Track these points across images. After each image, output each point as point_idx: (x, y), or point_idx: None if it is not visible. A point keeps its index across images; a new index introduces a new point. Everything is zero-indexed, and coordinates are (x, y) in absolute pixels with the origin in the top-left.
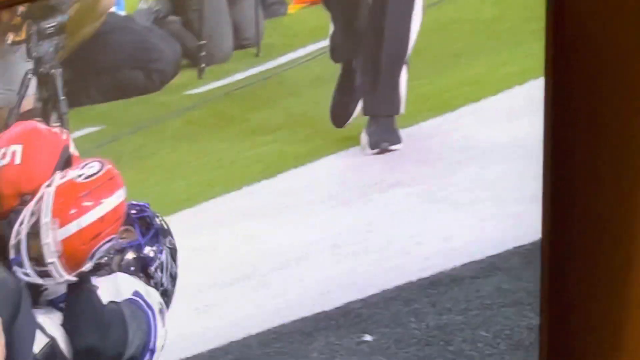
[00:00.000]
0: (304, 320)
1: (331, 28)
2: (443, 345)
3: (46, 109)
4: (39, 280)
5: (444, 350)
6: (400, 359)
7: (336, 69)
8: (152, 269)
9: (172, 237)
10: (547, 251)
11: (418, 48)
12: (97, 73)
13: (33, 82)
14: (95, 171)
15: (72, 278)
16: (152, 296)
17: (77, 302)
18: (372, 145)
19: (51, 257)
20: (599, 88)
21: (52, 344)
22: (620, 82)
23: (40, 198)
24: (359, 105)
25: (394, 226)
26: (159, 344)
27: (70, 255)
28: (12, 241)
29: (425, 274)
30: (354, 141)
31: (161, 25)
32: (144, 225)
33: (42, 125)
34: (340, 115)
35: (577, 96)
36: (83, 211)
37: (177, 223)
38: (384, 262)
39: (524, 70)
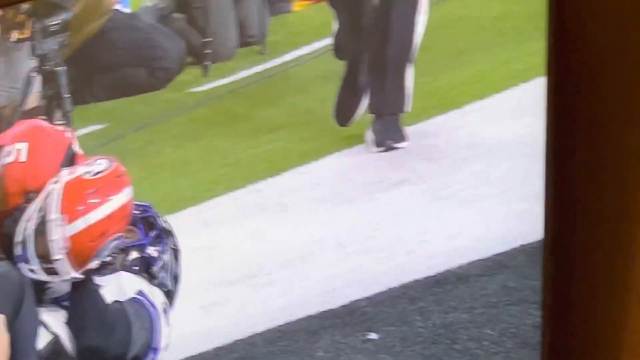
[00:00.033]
0: (309, 318)
1: (335, 26)
2: (449, 343)
3: (50, 107)
4: (45, 277)
5: (449, 349)
6: (405, 357)
7: (341, 66)
8: (156, 269)
9: (175, 238)
10: (549, 250)
11: (423, 45)
12: (102, 71)
13: (37, 80)
14: (103, 168)
15: (78, 275)
16: (156, 295)
17: (81, 301)
18: (378, 143)
19: (58, 253)
20: (600, 87)
21: (56, 341)
22: (621, 80)
23: (48, 194)
24: (364, 104)
25: (400, 224)
26: (162, 343)
27: (78, 252)
28: (18, 238)
29: (431, 272)
30: (359, 139)
31: (166, 22)
32: (147, 225)
33: (46, 124)
34: (344, 113)
35: (578, 95)
36: (91, 208)
37: (182, 221)
38: (389, 260)
39: (530, 67)
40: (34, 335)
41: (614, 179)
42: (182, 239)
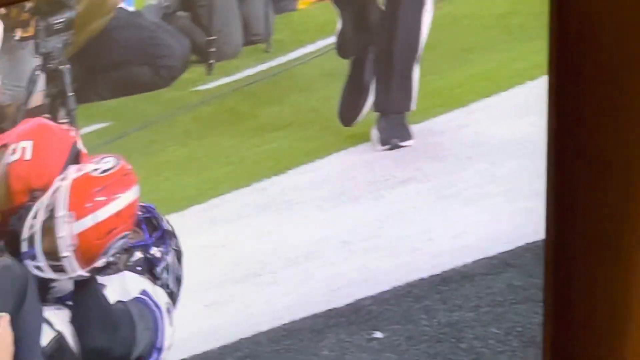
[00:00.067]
0: (314, 317)
1: (339, 24)
2: (454, 342)
3: (54, 105)
4: (51, 275)
5: (455, 347)
6: (411, 356)
7: (346, 64)
8: (159, 269)
9: (177, 239)
10: (551, 249)
11: (429, 43)
12: (106, 69)
13: (41, 79)
14: (111, 166)
15: (84, 273)
16: (160, 295)
17: (84, 301)
18: (383, 142)
19: (66, 251)
20: (602, 86)
21: (60, 338)
22: (623, 79)
23: (55, 191)
24: (368, 104)
25: (405, 223)
26: (166, 343)
27: (85, 250)
28: (25, 234)
29: (436, 270)
30: (364, 137)
31: (170, 21)
32: (151, 226)
33: (51, 122)
34: (349, 113)
35: (580, 94)
36: (99, 205)
37: (186, 220)
38: (394, 258)
39: (536, 65)
40: (37, 330)
41: (616, 178)
42: (186, 238)
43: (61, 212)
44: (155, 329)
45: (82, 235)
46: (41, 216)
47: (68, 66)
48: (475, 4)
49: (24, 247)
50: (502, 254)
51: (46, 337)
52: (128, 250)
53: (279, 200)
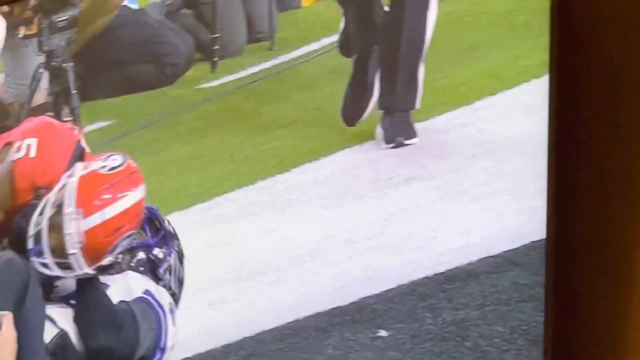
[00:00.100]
0: (318, 315)
1: (342, 23)
2: (459, 340)
3: (58, 103)
4: (57, 272)
5: (460, 346)
6: (415, 354)
7: (351, 62)
8: (161, 270)
9: (179, 241)
10: (552, 248)
11: (434, 41)
12: (109, 67)
13: (45, 77)
14: (118, 164)
15: (90, 271)
16: (163, 295)
17: (87, 300)
18: (388, 140)
19: (73, 248)
20: (604, 85)
21: (63, 335)
22: (625, 78)
23: (62, 188)
24: (372, 104)
25: (410, 221)
26: (169, 343)
27: (92, 247)
28: (31, 231)
29: (441, 268)
30: (368, 136)
31: (174, 18)
32: (153, 227)
33: (55, 120)
34: (353, 113)
35: (581, 93)
36: (107, 203)
37: (190, 218)
38: (399, 257)
39: (541, 63)
40: (40, 324)
41: (618, 176)
42: (190, 236)
43: (69, 208)
44: (158, 329)
45: (89, 232)
46: (48, 212)
47: (71, 64)
48: (480, 2)
49: (30, 243)
50: (507, 252)
51: (49, 334)
52: (131, 251)
53: (283, 198)
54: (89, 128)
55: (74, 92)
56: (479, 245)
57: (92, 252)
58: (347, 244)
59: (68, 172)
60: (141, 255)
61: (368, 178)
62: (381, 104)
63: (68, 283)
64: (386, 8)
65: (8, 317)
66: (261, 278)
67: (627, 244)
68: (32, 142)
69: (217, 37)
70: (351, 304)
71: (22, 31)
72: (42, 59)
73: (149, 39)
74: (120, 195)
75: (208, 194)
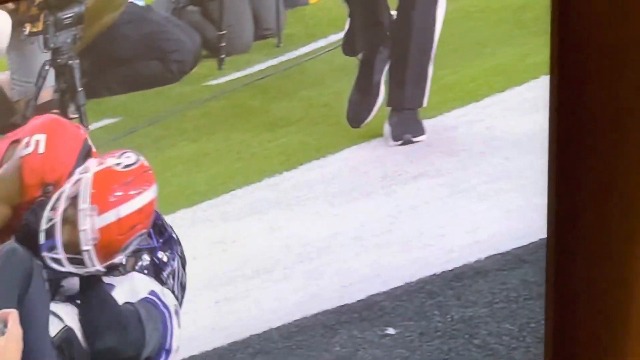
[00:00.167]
0: (325, 313)
1: (347, 23)
2: (468, 338)
3: (64, 101)
4: (68, 267)
5: (468, 344)
6: (423, 352)
7: (357, 60)
8: (165, 274)
9: (181, 246)
10: (552, 247)
11: (442, 38)
12: (115, 64)
13: (50, 74)
14: (132, 162)
15: (102, 268)
16: (168, 297)
17: (91, 301)
18: (395, 137)
19: (87, 244)
20: (605, 84)
21: (68, 329)
22: (626, 77)
23: (76, 182)
24: (377, 105)
25: (418, 218)
26: (174, 344)
27: (106, 245)
28: (43, 226)
29: (450, 266)
30: (376, 133)
31: (180, 15)
32: (157, 230)
33: (63, 118)
34: (358, 115)
35: (582, 92)
36: (122, 200)
37: (197, 215)
38: (407, 254)
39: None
40: (45, 314)
41: (619, 175)
42: (197, 234)
43: (84, 204)
44: (164, 330)
45: (104, 229)
46: (62, 206)
47: (77, 61)
48: None
49: (42, 238)
50: (516, 250)
51: (55, 329)
52: (136, 253)
53: (290, 196)
54: (95, 125)
55: (79, 89)
56: (487, 243)
57: (105, 249)
58: (354, 241)
59: (81, 167)
60: (146, 257)
61: (375, 175)
62: (390, 102)
63: (74, 283)
64: (392, 9)
65: (14, 314)
66: (268, 275)
67: (629, 243)
68: (41, 138)
69: (223, 33)
70: (359, 301)
71: (27, 28)
72: (47, 56)
73: (155, 36)
74: (134, 193)
75: (214, 191)
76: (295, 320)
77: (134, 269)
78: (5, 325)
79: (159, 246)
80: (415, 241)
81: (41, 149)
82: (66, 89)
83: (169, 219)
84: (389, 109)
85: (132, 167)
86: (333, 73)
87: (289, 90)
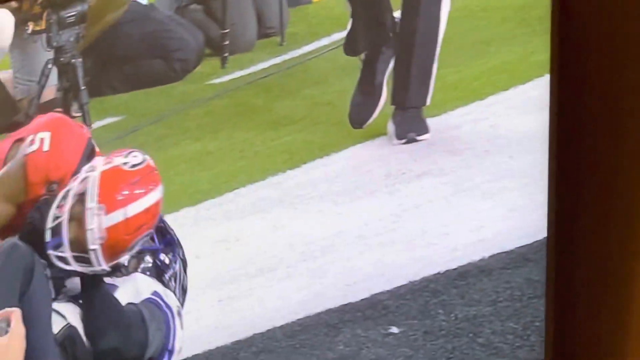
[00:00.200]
0: (329, 312)
1: (349, 23)
2: (472, 337)
3: (67, 99)
4: (74, 266)
5: (472, 342)
6: (427, 351)
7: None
8: (167, 277)
9: (183, 250)
10: (553, 247)
11: (446, 36)
12: (118, 62)
13: (53, 72)
14: (139, 161)
15: (107, 268)
16: (170, 298)
17: (93, 302)
18: (399, 136)
19: (94, 243)
20: (606, 83)
21: (71, 326)
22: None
23: (83, 180)
24: (380, 106)
25: (422, 217)
26: (177, 345)
27: (112, 244)
28: (49, 224)
29: (454, 265)
30: (380, 131)
31: (183, 14)
32: (160, 232)
33: (67, 117)
34: (360, 116)
35: (583, 93)
36: (130, 200)
37: (201, 214)
38: (411, 253)
39: None
40: (47, 309)
41: (621, 174)
42: (201, 232)
43: (91, 203)
44: (166, 330)
45: (111, 229)
46: (69, 203)
47: (80, 60)
48: None
49: (48, 236)
50: (520, 249)
51: (58, 326)
52: (138, 254)
53: (294, 194)
54: (98, 124)
55: (82, 87)
56: (492, 241)
57: (112, 249)
58: (358, 240)
59: (88, 166)
60: (148, 259)
61: (379, 174)
62: (394, 100)
63: (77, 283)
64: (396, 9)
65: (17, 313)
66: (271, 274)
67: (629, 242)
68: (46, 135)
69: (227, 32)
70: (362, 300)
71: (30, 27)
72: (51, 54)
73: (158, 34)
74: (141, 193)
75: (218, 190)
76: (299, 319)
77: (136, 271)
78: (9, 324)
79: (161, 248)
80: (419, 240)
81: (46, 147)
82: (69, 87)
83: (172, 217)
84: (392, 107)
85: (139, 166)
86: (336, 71)
87: (292, 88)
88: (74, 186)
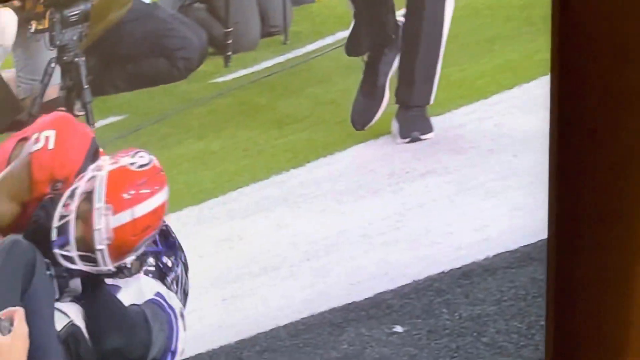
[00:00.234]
0: (333, 311)
1: (352, 23)
2: (476, 336)
3: (70, 98)
4: (79, 265)
5: (477, 342)
6: (432, 350)
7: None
8: (169, 280)
9: (184, 253)
10: (554, 246)
11: (450, 35)
12: (122, 61)
13: (56, 71)
14: (146, 162)
15: (113, 268)
16: (173, 299)
17: (95, 302)
18: (403, 134)
19: (101, 243)
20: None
21: (73, 324)
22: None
23: (90, 179)
24: (382, 107)
25: (426, 216)
26: (180, 346)
27: (119, 245)
28: (55, 223)
29: (458, 264)
30: (384, 130)
31: (187, 12)
32: (162, 234)
33: (71, 116)
34: (362, 117)
35: (583, 92)
36: (137, 200)
37: (204, 213)
38: (415, 252)
39: None
40: (49, 306)
41: (622, 173)
42: (204, 231)
43: (99, 203)
44: (169, 331)
45: (118, 229)
46: (75, 201)
47: (83, 58)
48: None
49: (54, 235)
50: (525, 248)
51: (60, 323)
52: (142, 256)
53: (297, 193)
54: (101, 123)
55: (85, 86)
56: (496, 241)
57: (118, 249)
58: (362, 238)
59: (94, 165)
60: (151, 261)
61: (383, 173)
62: (398, 99)
63: (79, 284)
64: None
65: (20, 312)
66: (275, 273)
67: (629, 242)
68: (51, 134)
69: (230, 31)
70: (366, 299)
71: (33, 26)
72: (53, 53)
73: (161, 33)
74: (148, 193)
75: (221, 189)
76: (303, 318)
77: (139, 272)
78: (12, 324)
79: (163, 251)
80: (423, 239)
81: (51, 145)
82: (72, 86)
83: (175, 216)
84: (396, 106)
85: (146, 167)
86: (340, 70)
87: (296, 87)
88: (80, 185)
